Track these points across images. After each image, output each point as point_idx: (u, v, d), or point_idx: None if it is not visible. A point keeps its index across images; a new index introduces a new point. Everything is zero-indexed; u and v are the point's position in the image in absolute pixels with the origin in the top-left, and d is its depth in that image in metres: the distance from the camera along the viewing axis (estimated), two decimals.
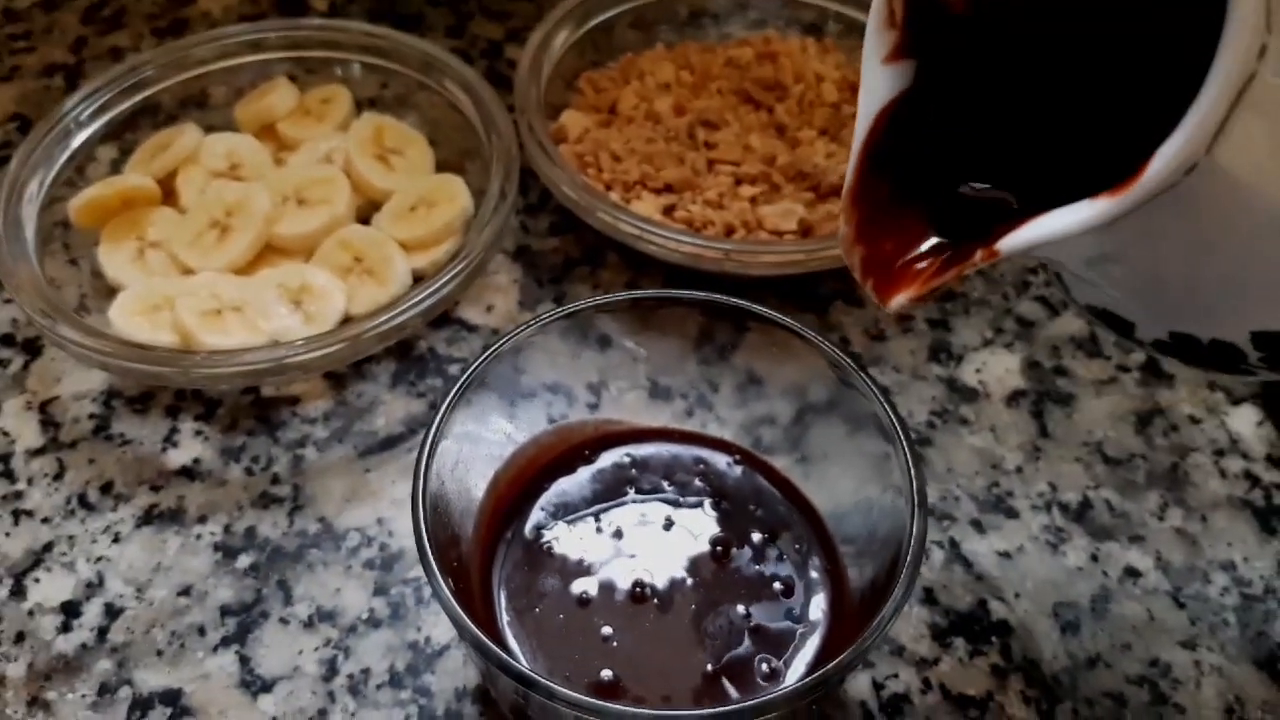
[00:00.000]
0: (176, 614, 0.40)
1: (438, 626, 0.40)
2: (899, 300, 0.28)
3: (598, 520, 0.38)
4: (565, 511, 0.38)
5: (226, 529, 0.43)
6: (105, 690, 0.38)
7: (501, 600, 0.36)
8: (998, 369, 0.48)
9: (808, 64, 0.56)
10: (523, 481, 0.39)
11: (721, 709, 0.28)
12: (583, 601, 0.36)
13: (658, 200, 0.51)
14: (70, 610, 0.41)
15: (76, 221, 0.49)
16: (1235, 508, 0.44)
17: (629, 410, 0.41)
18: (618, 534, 0.37)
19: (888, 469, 0.34)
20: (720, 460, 0.40)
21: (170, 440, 0.46)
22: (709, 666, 0.34)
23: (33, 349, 0.49)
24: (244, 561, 0.42)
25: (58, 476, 0.45)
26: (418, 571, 0.41)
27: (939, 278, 0.27)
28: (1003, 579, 0.42)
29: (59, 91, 0.61)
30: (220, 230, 0.48)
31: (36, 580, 0.41)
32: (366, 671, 0.39)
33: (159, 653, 0.39)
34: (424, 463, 0.33)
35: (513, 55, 0.62)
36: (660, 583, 0.36)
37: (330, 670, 0.39)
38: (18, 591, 0.41)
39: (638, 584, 0.36)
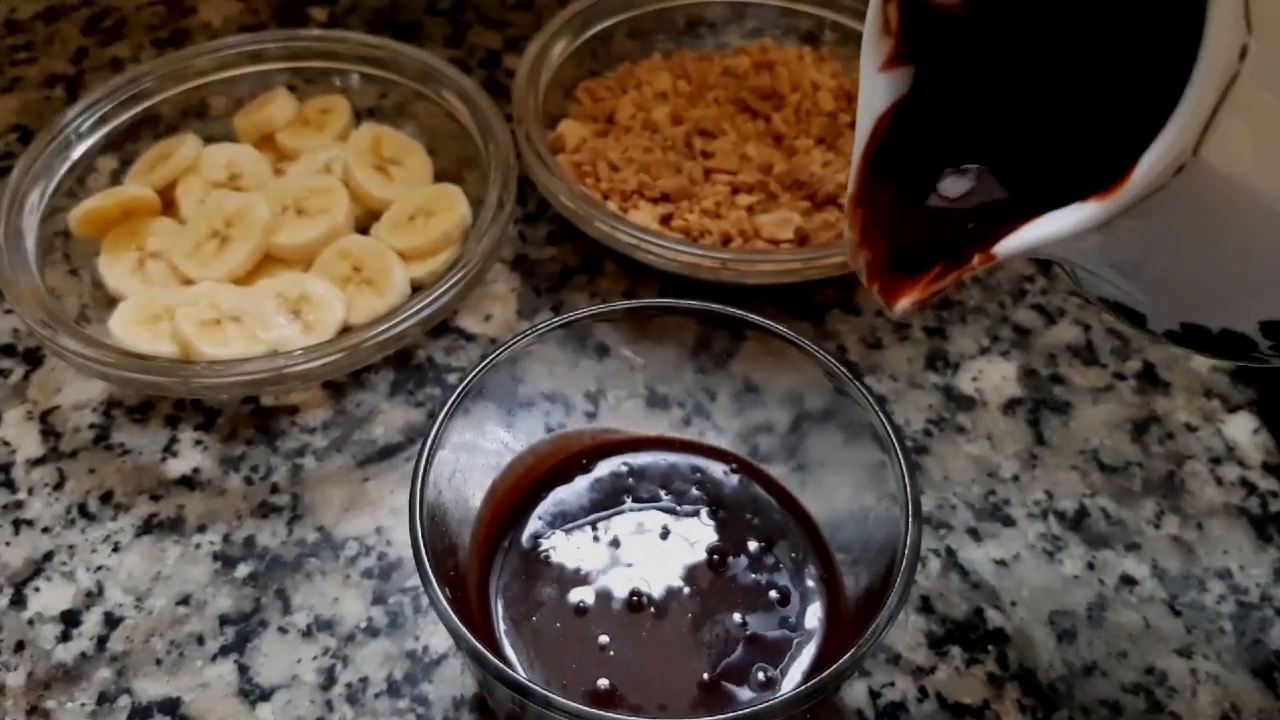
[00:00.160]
0: (176, 623, 0.41)
1: (436, 635, 0.40)
2: (904, 304, 0.29)
3: (595, 529, 0.38)
4: (562, 520, 0.39)
5: (226, 538, 0.43)
6: (104, 699, 0.39)
7: (499, 609, 0.36)
8: (994, 377, 0.49)
9: (804, 73, 0.57)
10: (520, 490, 0.39)
11: (717, 718, 0.28)
12: (580, 610, 0.36)
13: (655, 209, 0.51)
14: (70, 619, 0.41)
15: (77, 232, 0.50)
16: (1231, 515, 0.44)
17: (626, 419, 0.41)
18: (615, 543, 0.38)
19: (883, 477, 0.34)
20: (717, 469, 0.40)
21: (170, 450, 0.46)
22: (705, 675, 0.34)
23: (33, 359, 0.49)
24: (243, 570, 0.42)
25: (58, 486, 0.45)
26: (416, 580, 0.41)
27: (940, 282, 0.28)
28: (999, 587, 0.42)
29: (60, 102, 0.61)
30: (220, 240, 0.49)
31: (36, 589, 0.42)
32: (365, 680, 0.39)
33: (158, 662, 0.40)
34: (421, 472, 0.34)
35: (511, 65, 0.63)
36: (657, 591, 0.36)
37: (329, 679, 0.39)
38: (18, 600, 0.41)
39: (634, 593, 0.36)
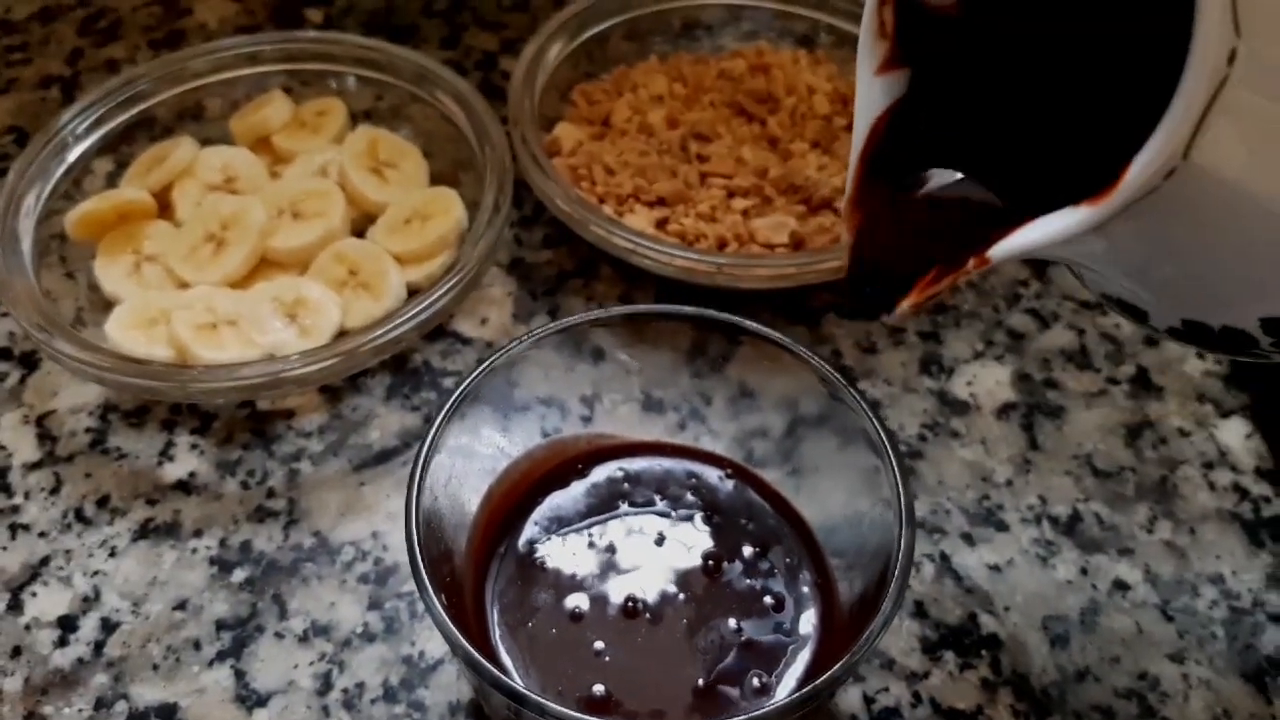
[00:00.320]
0: (172, 628, 0.41)
1: (431, 641, 0.40)
2: (901, 307, 0.29)
3: (590, 535, 0.38)
4: (558, 526, 0.39)
5: (222, 543, 0.43)
6: (101, 705, 0.39)
7: (494, 615, 0.36)
8: (988, 382, 0.49)
9: (800, 76, 0.57)
10: (516, 496, 0.39)
11: None
12: (575, 616, 0.36)
13: (651, 213, 0.51)
14: (67, 624, 0.41)
15: (73, 235, 0.50)
16: (1224, 520, 0.44)
17: (622, 423, 0.41)
18: (610, 549, 0.38)
19: (877, 483, 0.35)
20: (712, 474, 0.40)
21: (166, 454, 0.46)
22: (700, 681, 0.34)
23: (29, 363, 0.49)
24: (239, 575, 0.42)
25: (54, 490, 0.45)
26: (412, 586, 0.41)
27: (935, 285, 0.28)
28: (993, 592, 0.42)
29: (55, 103, 0.61)
30: (216, 244, 0.49)
31: (33, 594, 0.42)
32: (361, 686, 0.39)
33: (155, 667, 0.40)
34: (418, 477, 0.34)
35: (507, 67, 0.63)
36: (652, 597, 0.36)
37: (325, 684, 0.39)
38: (14, 606, 0.41)
39: (630, 599, 0.36)
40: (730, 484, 0.40)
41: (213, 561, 0.42)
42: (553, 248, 0.54)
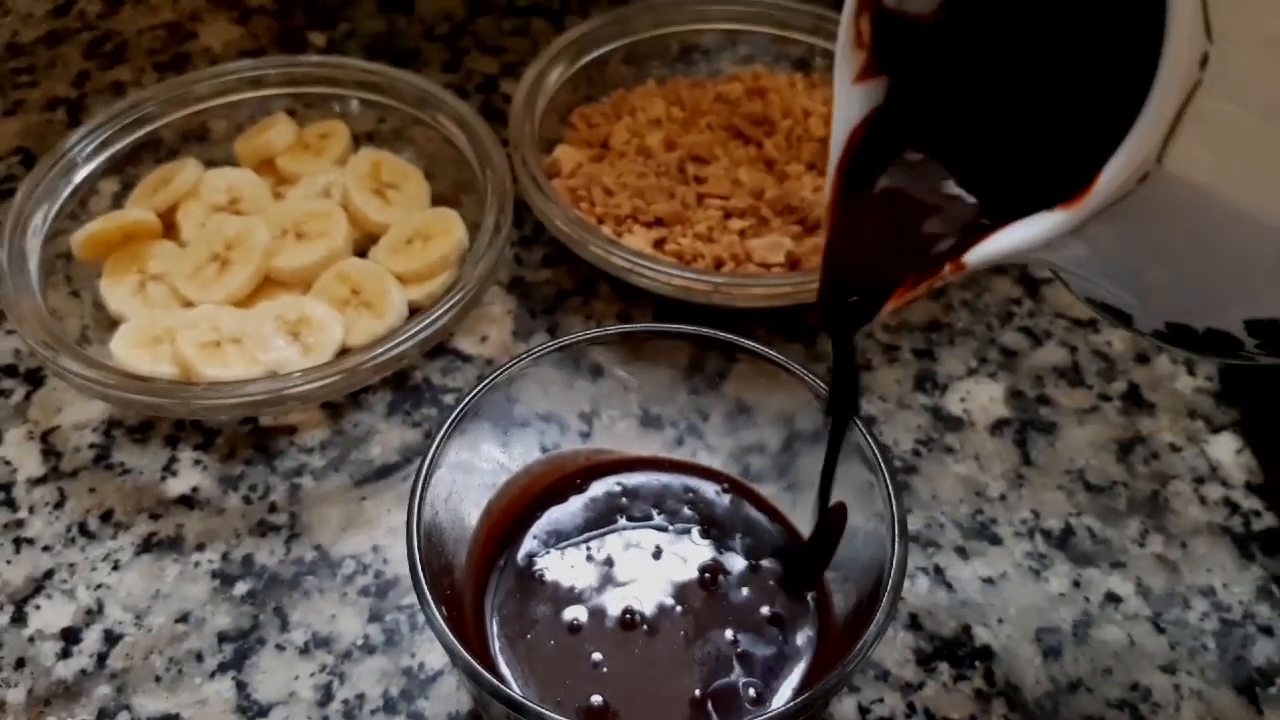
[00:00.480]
0: (175, 640, 0.41)
1: (431, 653, 0.41)
2: (879, 315, 0.30)
3: (588, 548, 0.39)
4: (557, 539, 0.39)
5: (224, 556, 0.44)
6: (104, 716, 0.39)
7: (494, 627, 0.37)
8: (982, 398, 0.49)
9: (795, 99, 0.58)
10: (515, 510, 0.40)
11: None
12: (573, 628, 0.36)
13: (648, 234, 0.52)
14: (70, 637, 0.41)
15: (79, 255, 0.50)
16: (1215, 534, 0.45)
17: (621, 439, 0.42)
18: (608, 562, 0.38)
19: (871, 497, 0.35)
20: (709, 489, 0.41)
21: (169, 469, 0.47)
22: (697, 692, 0.35)
23: (35, 379, 0.50)
24: (241, 589, 0.43)
25: (58, 505, 0.45)
26: (412, 598, 0.42)
27: (912, 290, 0.28)
28: (986, 605, 0.42)
29: (61, 125, 0.62)
30: (220, 263, 0.49)
31: (37, 607, 0.42)
32: (361, 697, 0.39)
33: (157, 679, 0.40)
34: (418, 492, 0.34)
35: (507, 90, 0.64)
36: (650, 610, 0.37)
37: (326, 696, 0.40)
38: (18, 618, 0.42)
39: (627, 611, 0.37)
40: (727, 498, 0.41)
41: (215, 575, 0.43)
42: (552, 267, 0.55)
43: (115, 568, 0.43)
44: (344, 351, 0.48)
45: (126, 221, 0.51)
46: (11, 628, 0.42)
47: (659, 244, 0.52)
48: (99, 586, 0.43)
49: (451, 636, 0.31)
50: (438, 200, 0.55)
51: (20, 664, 0.40)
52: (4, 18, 0.69)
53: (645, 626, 0.37)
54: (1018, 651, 0.41)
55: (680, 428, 0.42)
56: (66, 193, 0.52)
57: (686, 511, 0.40)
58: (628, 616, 0.37)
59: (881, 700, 0.40)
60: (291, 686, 0.40)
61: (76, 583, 0.43)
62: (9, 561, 0.44)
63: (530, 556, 0.39)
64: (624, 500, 0.40)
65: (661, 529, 0.40)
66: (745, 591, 0.38)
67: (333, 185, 0.54)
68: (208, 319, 0.47)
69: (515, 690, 0.35)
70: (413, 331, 0.45)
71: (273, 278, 0.50)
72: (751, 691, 0.35)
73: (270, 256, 0.50)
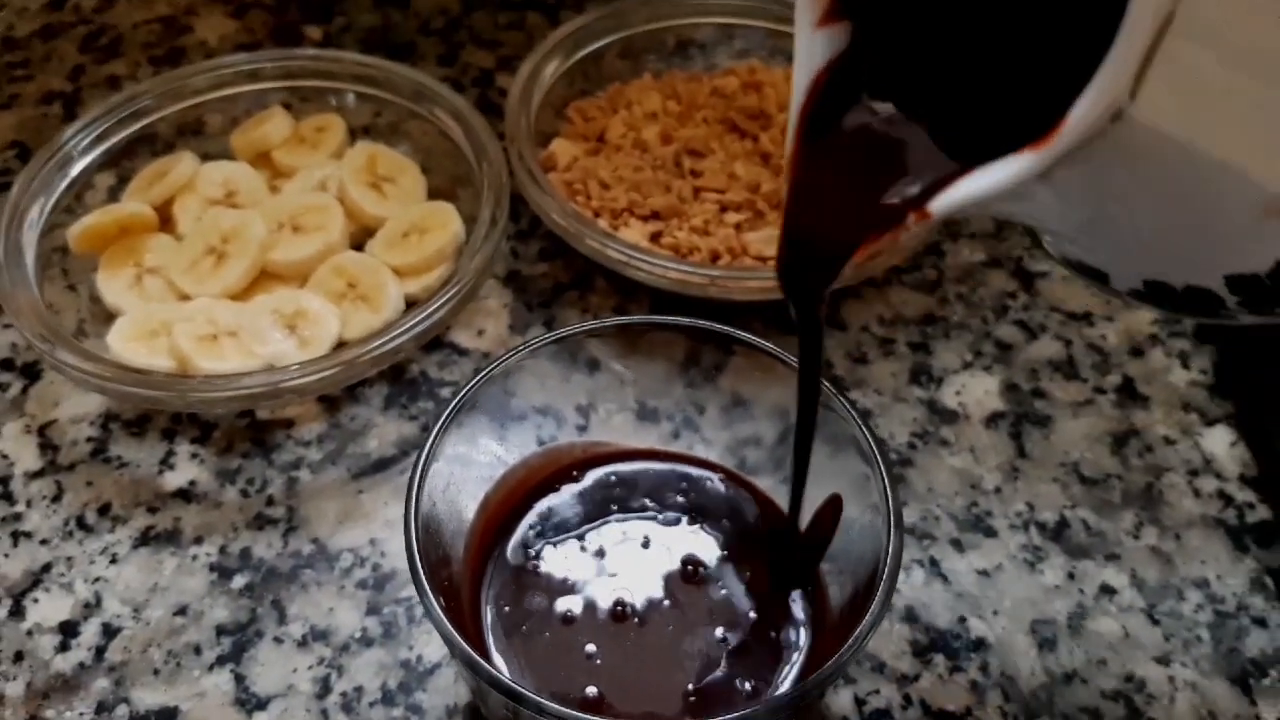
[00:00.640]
0: (173, 633, 0.41)
1: (429, 645, 0.41)
2: (843, 273, 0.29)
3: (583, 540, 0.39)
4: (552, 531, 0.39)
5: (222, 550, 0.44)
6: (103, 709, 0.39)
7: (490, 618, 0.37)
8: (977, 391, 0.50)
9: (791, 94, 0.58)
10: (512, 502, 0.40)
11: None
12: (567, 620, 0.37)
13: (645, 227, 0.52)
14: (68, 630, 0.41)
15: (75, 248, 0.50)
16: (1209, 527, 0.45)
17: (617, 432, 0.42)
18: (601, 553, 0.38)
19: (867, 489, 0.35)
20: (705, 481, 0.41)
21: (167, 463, 0.47)
22: (691, 684, 0.35)
23: (32, 373, 0.50)
24: (239, 582, 0.43)
25: (56, 498, 0.45)
26: (410, 591, 0.42)
27: (877, 242, 0.27)
28: (981, 597, 0.43)
29: (57, 119, 0.62)
30: (216, 257, 0.49)
31: (35, 600, 0.42)
32: (359, 689, 0.40)
33: (155, 672, 0.40)
34: (416, 484, 0.34)
35: (503, 84, 0.64)
36: (646, 601, 0.37)
37: (324, 688, 0.40)
38: (16, 612, 0.42)
39: (619, 603, 0.37)
40: (723, 490, 0.41)
41: (213, 568, 0.43)
42: (548, 261, 0.55)
43: (113, 561, 0.43)
44: (341, 345, 0.48)
45: (123, 215, 0.51)
46: (10, 621, 0.42)
47: (655, 237, 0.52)
48: (97, 580, 0.43)
49: (450, 627, 0.31)
50: (434, 194, 0.55)
51: (19, 657, 0.41)
52: None
53: (640, 618, 0.37)
54: (1013, 643, 0.41)
55: (676, 421, 0.42)
56: (62, 186, 0.52)
57: (682, 503, 0.40)
58: (620, 608, 0.37)
59: (877, 692, 0.40)
60: (290, 679, 0.40)
61: (74, 576, 0.43)
62: (6, 555, 0.44)
63: (526, 548, 0.39)
64: (620, 492, 0.41)
65: (658, 521, 0.40)
66: (741, 584, 0.38)
67: (329, 179, 0.54)
68: (204, 312, 0.47)
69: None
70: (409, 325, 0.46)
71: (269, 271, 0.50)
72: (748, 684, 0.35)
73: (266, 250, 0.50)
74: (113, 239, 0.51)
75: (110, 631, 0.41)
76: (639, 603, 0.37)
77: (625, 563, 0.38)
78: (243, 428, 0.48)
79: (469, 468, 0.38)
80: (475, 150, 0.53)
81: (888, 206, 0.27)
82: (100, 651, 0.41)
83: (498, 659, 0.36)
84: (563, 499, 0.40)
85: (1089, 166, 0.22)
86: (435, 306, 0.46)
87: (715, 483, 0.41)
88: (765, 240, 0.51)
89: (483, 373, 0.37)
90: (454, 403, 0.36)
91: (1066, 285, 0.54)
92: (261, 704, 0.39)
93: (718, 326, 0.39)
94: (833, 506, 0.37)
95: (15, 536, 0.44)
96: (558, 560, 0.38)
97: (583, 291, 0.54)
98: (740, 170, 0.54)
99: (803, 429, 0.35)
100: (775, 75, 0.59)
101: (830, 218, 0.29)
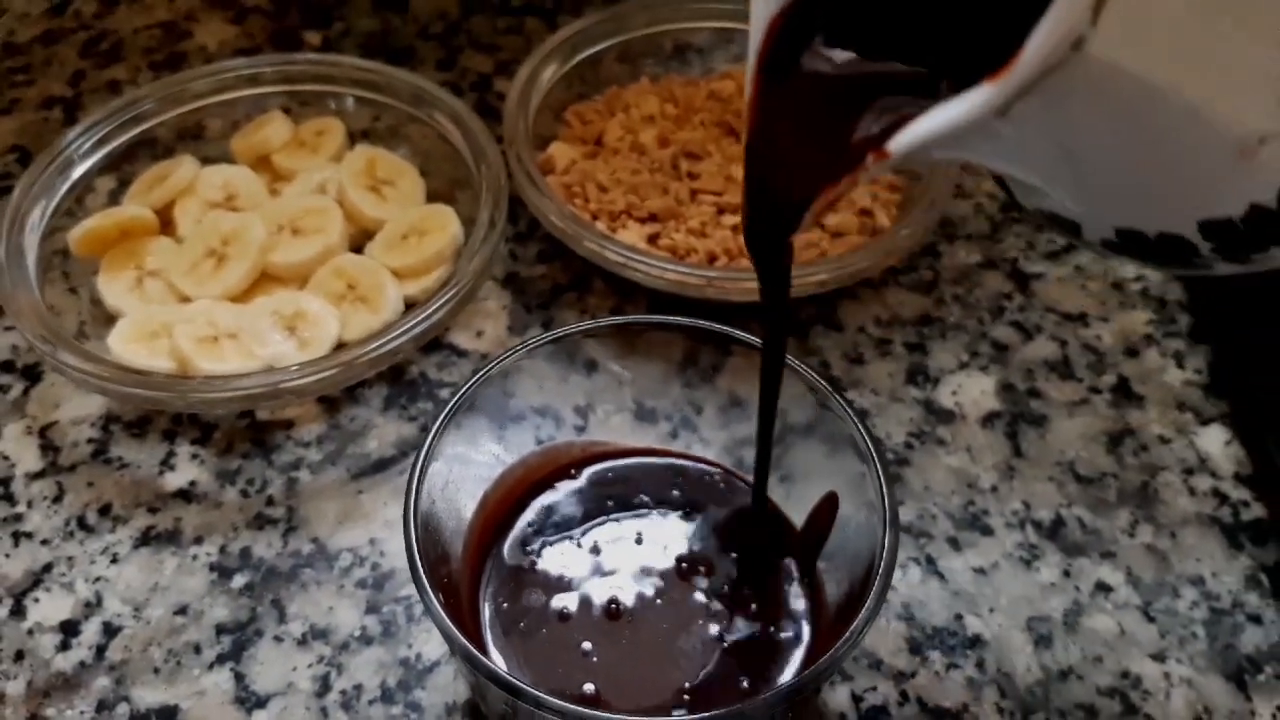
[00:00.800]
0: (173, 632, 0.41)
1: (428, 643, 0.41)
2: (805, 221, 0.28)
3: (580, 537, 0.39)
4: (551, 530, 0.39)
5: (222, 549, 0.44)
6: (103, 707, 0.39)
7: (488, 616, 0.37)
8: (973, 391, 0.50)
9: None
10: (510, 501, 0.40)
11: (699, 716, 0.29)
12: (564, 617, 0.37)
13: (642, 229, 0.52)
14: (69, 629, 0.41)
15: (76, 251, 0.51)
16: (1204, 525, 0.45)
17: (615, 432, 0.42)
18: (599, 550, 0.39)
19: (863, 488, 0.35)
20: (702, 480, 0.41)
21: (167, 463, 0.47)
22: (688, 680, 0.35)
23: (33, 375, 0.50)
24: (239, 581, 0.43)
25: (57, 499, 0.46)
26: (409, 590, 0.42)
27: (836, 186, 0.26)
28: (978, 594, 0.43)
29: (58, 123, 0.62)
30: (217, 259, 0.50)
31: (36, 600, 0.42)
32: (359, 688, 0.40)
33: (156, 670, 0.40)
34: (415, 483, 0.35)
35: (502, 88, 0.64)
36: (644, 599, 0.37)
37: (323, 686, 0.40)
38: (17, 611, 0.42)
39: (616, 600, 0.37)
40: (720, 489, 0.41)
41: (213, 568, 0.43)
42: (547, 263, 0.55)
43: (114, 561, 0.44)
44: (340, 346, 0.48)
45: (123, 218, 0.51)
46: (11, 620, 0.42)
47: (653, 239, 0.52)
48: (97, 579, 0.43)
49: (449, 623, 0.31)
50: (433, 197, 0.55)
51: (19, 656, 0.41)
52: (0, 17, 0.69)
53: (637, 615, 0.37)
54: (1009, 640, 0.41)
55: (674, 421, 0.43)
56: (64, 190, 0.52)
57: (679, 502, 0.41)
58: (617, 605, 0.37)
59: (874, 689, 0.40)
60: (289, 677, 0.40)
61: (75, 576, 0.43)
62: (8, 555, 0.44)
63: (523, 546, 0.39)
64: (619, 490, 0.41)
65: (656, 520, 0.40)
66: (739, 582, 0.38)
67: (328, 182, 0.54)
68: (204, 314, 0.48)
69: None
70: (408, 326, 0.46)
71: (269, 273, 0.51)
72: (744, 682, 0.35)
73: (266, 252, 0.50)
74: (113, 242, 0.51)
75: (111, 630, 0.41)
76: (636, 599, 0.37)
77: (622, 560, 0.38)
78: (243, 428, 0.48)
79: (468, 467, 0.38)
80: (474, 153, 0.53)
81: (846, 148, 0.26)
82: (101, 650, 0.41)
83: (495, 655, 0.36)
84: (561, 497, 0.40)
85: (1050, 102, 0.21)
86: (434, 308, 0.46)
87: (712, 480, 0.41)
88: None
89: (481, 372, 0.37)
90: (452, 402, 0.37)
91: (1062, 286, 0.54)
92: (261, 702, 0.39)
93: (715, 326, 0.39)
94: (829, 504, 0.38)
95: (16, 537, 0.44)
96: (556, 558, 0.39)
97: (581, 293, 0.54)
98: (737, 173, 0.54)
99: (767, 385, 0.35)
100: None
101: (790, 161, 0.29)
